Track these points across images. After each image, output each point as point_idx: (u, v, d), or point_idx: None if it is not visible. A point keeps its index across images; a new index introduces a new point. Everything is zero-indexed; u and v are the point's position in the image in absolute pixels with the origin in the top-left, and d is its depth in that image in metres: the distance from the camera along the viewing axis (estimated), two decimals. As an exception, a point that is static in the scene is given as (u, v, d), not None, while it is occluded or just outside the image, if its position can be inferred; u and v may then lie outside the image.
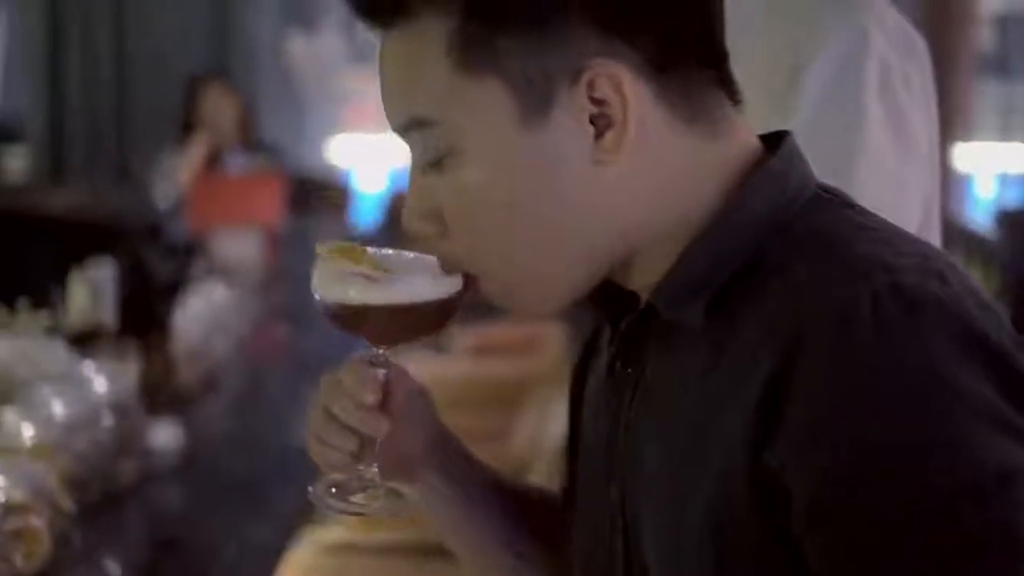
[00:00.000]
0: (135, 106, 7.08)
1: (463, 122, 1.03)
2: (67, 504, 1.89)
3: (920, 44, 1.59)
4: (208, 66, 6.67)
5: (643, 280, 1.08)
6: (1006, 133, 7.93)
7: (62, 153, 7.14)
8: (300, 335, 3.77)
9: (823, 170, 1.51)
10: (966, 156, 6.84)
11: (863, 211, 1.06)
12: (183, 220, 5.17)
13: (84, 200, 5.87)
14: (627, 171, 1.03)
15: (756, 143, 1.08)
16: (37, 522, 1.78)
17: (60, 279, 2.90)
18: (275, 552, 2.15)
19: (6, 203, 5.74)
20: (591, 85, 1.01)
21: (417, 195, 1.07)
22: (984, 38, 6.89)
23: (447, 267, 1.09)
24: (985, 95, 7.47)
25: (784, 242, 1.01)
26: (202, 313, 3.05)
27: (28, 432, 1.99)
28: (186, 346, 2.82)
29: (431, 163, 1.06)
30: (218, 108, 5.95)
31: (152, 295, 2.70)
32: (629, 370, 1.10)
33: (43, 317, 2.48)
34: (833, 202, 1.06)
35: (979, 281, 1.66)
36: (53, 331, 2.49)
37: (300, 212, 5.73)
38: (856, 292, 0.94)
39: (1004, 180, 7.92)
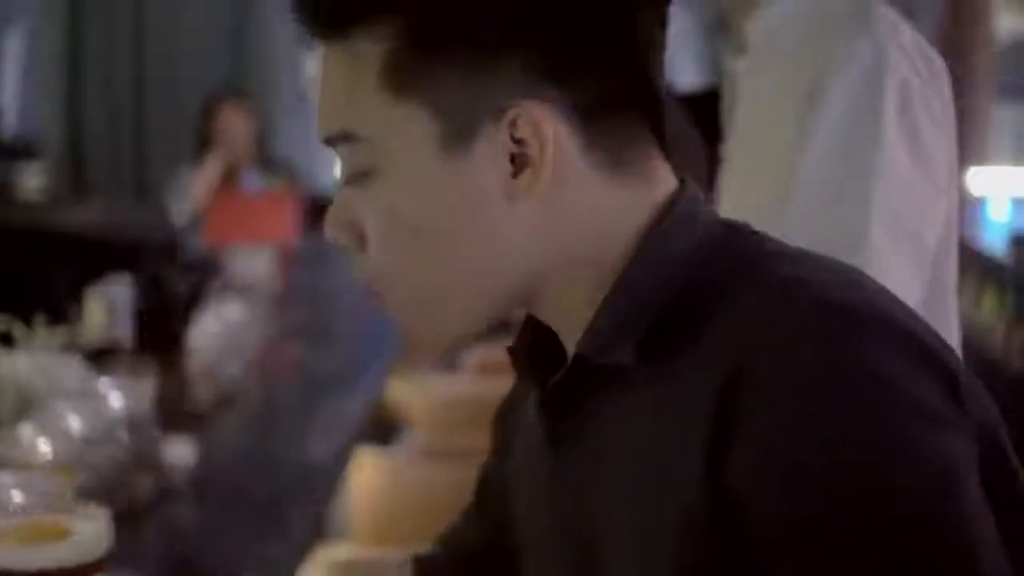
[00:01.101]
0: (152, 123, 7.10)
1: (387, 142, 1.05)
2: (83, 520, 1.89)
3: (940, 65, 1.59)
4: (225, 84, 6.70)
5: (562, 323, 1.10)
6: (1020, 157, 7.92)
7: (80, 170, 7.16)
8: (315, 353, 3.78)
9: (841, 188, 1.52)
10: (980, 180, 6.84)
11: (768, 237, 1.08)
12: (199, 237, 5.18)
13: (101, 217, 5.88)
14: (541, 211, 1.05)
15: (673, 187, 1.09)
16: (53, 537, 1.78)
17: (77, 296, 2.91)
18: (289, 570, 2.15)
19: (24, 219, 5.76)
20: (513, 124, 1.03)
21: (338, 206, 1.10)
22: (999, 62, 6.88)
23: (360, 279, 1.11)
24: (999, 119, 7.47)
25: (707, 276, 1.03)
26: (217, 330, 3.06)
27: (44, 447, 1.99)
28: (201, 363, 2.83)
29: (354, 177, 1.08)
30: (234, 126, 5.96)
31: (168, 312, 2.71)
32: (567, 428, 1.10)
33: (60, 333, 2.49)
34: (741, 233, 1.08)
35: (993, 305, 1.66)
36: (70, 347, 2.50)
37: (316, 230, 5.72)
38: (787, 310, 0.97)
39: (1018, 204, 7.91)
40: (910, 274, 1.53)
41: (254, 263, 4.63)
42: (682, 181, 1.10)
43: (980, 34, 6.39)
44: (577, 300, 1.07)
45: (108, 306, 2.79)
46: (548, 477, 1.14)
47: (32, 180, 7.13)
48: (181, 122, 6.53)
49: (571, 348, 1.09)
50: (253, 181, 5.89)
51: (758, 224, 1.49)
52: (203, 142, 5.97)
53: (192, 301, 2.93)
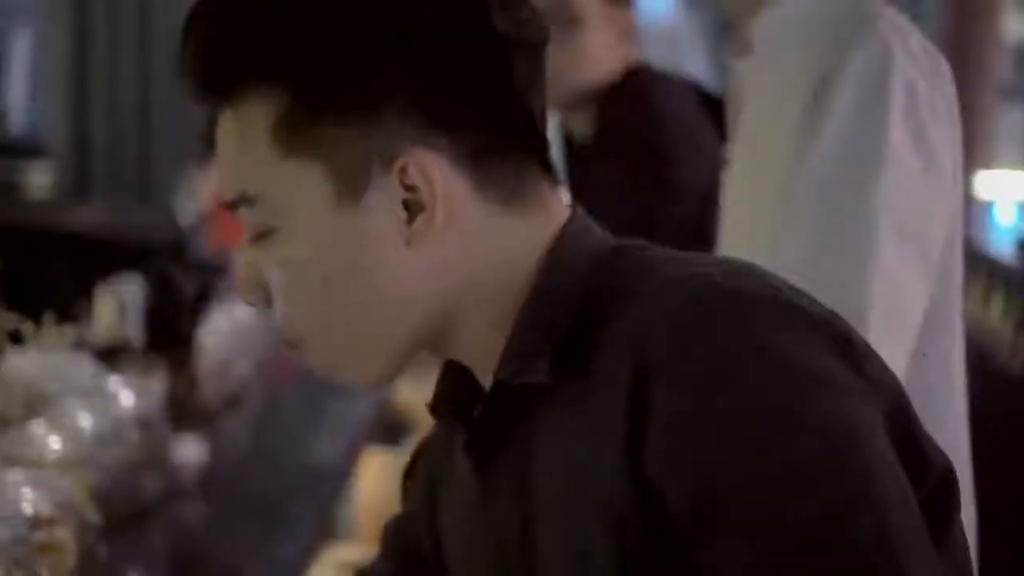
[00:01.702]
0: (158, 124, 7.10)
1: (282, 200, 1.09)
2: (93, 518, 1.90)
3: (944, 67, 1.59)
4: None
5: (474, 358, 1.14)
6: (1028, 160, 7.91)
7: (86, 170, 7.17)
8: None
9: (846, 188, 1.53)
10: (987, 183, 6.83)
11: (659, 249, 1.12)
12: (206, 238, 5.18)
13: (107, 217, 5.89)
14: (440, 251, 1.08)
15: (566, 216, 1.13)
16: (64, 536, 1.79)
17: (84, 295, 2.91)
18: (297, 569, 2.16)
19: (30, 219, 5.77)
20: (403, 171, 1.07)
21: (245, 267, 1.13)
22: (1006, 64, 6.88)
23: (280, 337, 1.15)
24: (1008, 122, 7.46)
25: (604, 291, 1.07)
26: (227, 330, 3.06)
27: (55, 445, 2.00)
28: (211, 362, 2.84)
29: (257, 237, 1.11)
30: (241, 127, 5.96)
31: (177, 311, 2.71)
32: (498, 462, 1.13)
33: (69, 332, 2.49)
34: (631, 249, 1.12)
35: (1001, 308, 1.66)
36: (79, 346, 2.51)
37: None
38: (678, 302, 1.02)
39: (1025, 207, 7.90)
40: (916, 275, 1.53)
41: (261, 264, 4.62)
42: (573, 209, 1.14)
43: (987, 35, 6.38)
44: (485, 333, 1.11)
45: (118, 305, 2.79)
46: (485, 519, 1.16)
47: (39, 179, 7.13)
48: (187, 123, 6.53)
49: (487, 383, 1.12)
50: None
51: (761, 226, 1.50)
52: (209, 143, 5.95)
53: (201, 301, 2.93)
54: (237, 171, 1.12)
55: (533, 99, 1.12)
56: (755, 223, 1.62)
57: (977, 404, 1.64)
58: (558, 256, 1.10)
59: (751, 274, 1.06)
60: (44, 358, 2.34)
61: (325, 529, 2.58)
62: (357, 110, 1.07)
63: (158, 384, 2.42)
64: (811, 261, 1.49)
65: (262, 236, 1.11)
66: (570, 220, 1.12)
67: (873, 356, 1.04)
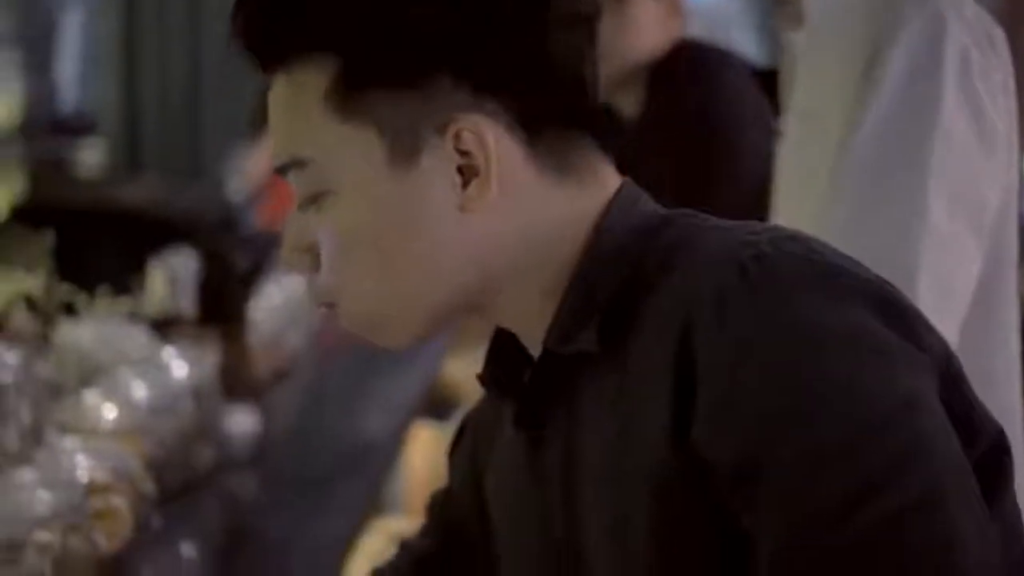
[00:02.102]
0: (208, 101, 7.14)
1: (335, 164, 1.09)
2: (148, 487, 1.92)
3: (1000, 37, 1.58)
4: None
5: (521, 326, 1.14)
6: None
7: (136, 147, 7.21)
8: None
9: (900, 155, 1.52)
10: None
11: (706, 216, 1.12)
12: (255, 213, 5.21)
13: (159, 193, 5.92)
14: (492, 219, 1.09)
15: (616, 185, 1.13)
16: (119, 503, 1.81)
17: (136, 270, 2.94)
18: (348, 541, 2.17)
19: (82, 196, 5.80)
20: (457, 137, 1.07)
21: (294, 231, 1.14)
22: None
23: (317, 300, 1.15)
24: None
25: (651, 260, 1.07)
26: (279, 303, 3.08)
27: (110, 414, 2.02)
28: (262, 336, 2.86)
29: (307, 201, 1.12)
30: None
31: (229, 285, 2.73)
32: (546, 431, 1.13)
33: (123, 303, 2.51)
34: (678, 217, 1.12)
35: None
36: (133, 318, 2.53)
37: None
38: (725, 270, 1.01)
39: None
40: (969, 243, 1.52)
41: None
42: (623, 179, 1.14)
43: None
44: (533, 300, 1.11)
45: (170, 279, 2.82)
46: (531, 487, 1.16)
47: (90, 157, 7.18)
48: (236, 99, 6.55)
49: (535, 351, 1.13)
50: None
51: (813, 197, 1.49)
52: (259, 119, 5.98)
53: (252, 275, 2.95)
54: (290, 135, 1.12)
55: (587, 70, 1.12)
56: (808, 195, 1.61)
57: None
58: (607, 225, 1.10)
59: (798, 241, 1.05)
60: (98, 329, 2.37)
61: (374, 503, 2.59)
62: (410, 75, 1.07)
63: (211, 356, 2.44)
64: (861, 227, 1.48)
65: (313, 200, 1.11)
66: (620, 190, 1.12)
67: (924, 322, 1.03)
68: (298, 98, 1.11)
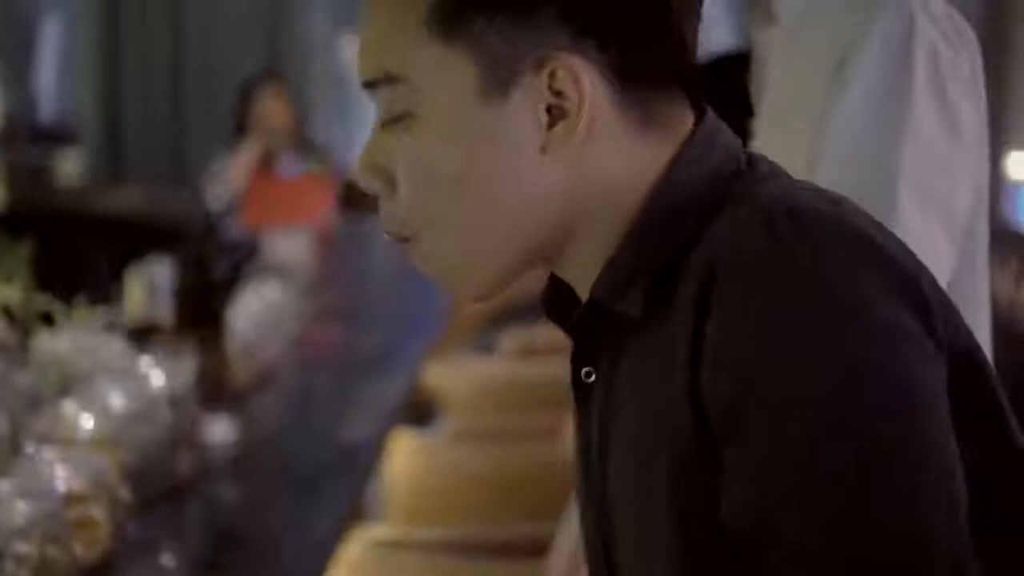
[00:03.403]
0: (190, 109, 7.14)
1: (427, 85, 1.08)
2: (126, 496, 1.92)
3: (969, 34, 1.59)
4: (261, 68, 6.72)
5: (579, 276, 1.12)
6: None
7: (117, 155, 7.20)
8: (352, 334, 3.80)
9: (870, 152, 1.53)
10: (1020, 163, 6.80)
11: (770, 172, 1.10)
12: (237, 221, 5.21)
13: (139, 202, 5.92)
14: (572, 163, 1.07)
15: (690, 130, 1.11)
16: (97, 513, 1.81)
17: (117, 277, 2.93)
18: (330, 547, 2.17)
19: (64, 204, 5.80)
20: (553, 75, 1.06)
21: (372, 149, 1.12)
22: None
23: (387, 227, 1.12)
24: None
25: (704, 216, 1.05)
26: (256, 311, 3.08)
27: (87, 424, 2.02)
28: (241, 343, 2.85)
29: (392, 120, 1.10)
30: (271, 110, 5.98)
31: (208, 292, 2.73)
32: (591, 374, 1.13)
33: (100, 313, 2.51)
34: (746, 169, 1.10)
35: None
36: (111, 326, 2.52)
37: (352, 213, 5.77)
38: (755, 218, 1.00)
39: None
40: (940, 241, 1.52)
41: (292, 245, 4.65)
42: (694, 129, 1.11)
43: (1021, 14, 6.34)
44: (596, 251, 1.09)
45: (148, 286, 2.81)
46: (578, 434, 1.17)
47: (70, 165, 7.18)
48: (218, 107, 6.56)
49: (584, 292, 1.12)
50: (291, 165, 5.92)
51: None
52: (240, 127, 5.99)
53: (232, 282, 2.95)
54: (385, 50, 1.09)
55: (687, 29, 1.10)
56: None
57: (1006, 383, 1.63)
58: (670, 182, 1.08)
59: (839, 202, 1.04)
60: (76, 338, 2.36)
61: (356, 508, 2.59)
62: (518, 5, 1.06)
63: (189, 364, 2.43)
64: None
65: (397, 120, 1.09)
66: (693, 135, 1.10)
67: (947, 315, 1.02)
68: (399, 14, 1.09)
